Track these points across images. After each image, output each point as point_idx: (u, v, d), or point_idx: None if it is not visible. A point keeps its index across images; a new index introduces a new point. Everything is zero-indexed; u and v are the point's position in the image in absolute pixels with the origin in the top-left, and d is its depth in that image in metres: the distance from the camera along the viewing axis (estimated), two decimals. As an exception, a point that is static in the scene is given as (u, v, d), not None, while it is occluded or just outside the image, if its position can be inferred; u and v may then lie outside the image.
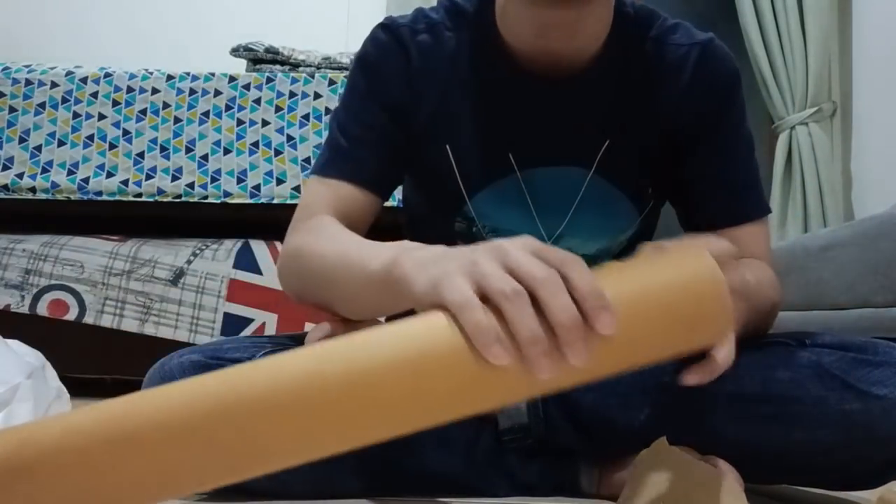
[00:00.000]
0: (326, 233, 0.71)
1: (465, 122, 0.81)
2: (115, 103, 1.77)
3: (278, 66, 1.92)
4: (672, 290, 0.47)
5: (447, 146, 0.81)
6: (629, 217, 0.83)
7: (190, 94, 1.77)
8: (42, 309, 1.62)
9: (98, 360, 1.65)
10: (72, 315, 1.62)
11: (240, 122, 1.75)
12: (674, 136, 0.80)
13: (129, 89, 1.77)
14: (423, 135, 0.81)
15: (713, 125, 0.80)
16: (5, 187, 1.73)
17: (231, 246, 1.68)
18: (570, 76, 0.78)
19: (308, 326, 1.52)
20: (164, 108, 1.76)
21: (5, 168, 1.74)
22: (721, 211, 0.80)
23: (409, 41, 0.81)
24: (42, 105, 1.76)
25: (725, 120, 0.81)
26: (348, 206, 0.78)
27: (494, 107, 0.80)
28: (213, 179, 1.73)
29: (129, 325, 1.62)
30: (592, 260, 0.83)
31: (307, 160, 1.71)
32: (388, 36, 0.82)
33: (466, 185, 0.81)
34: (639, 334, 0.46)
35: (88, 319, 1.62)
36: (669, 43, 0.81)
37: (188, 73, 1.78)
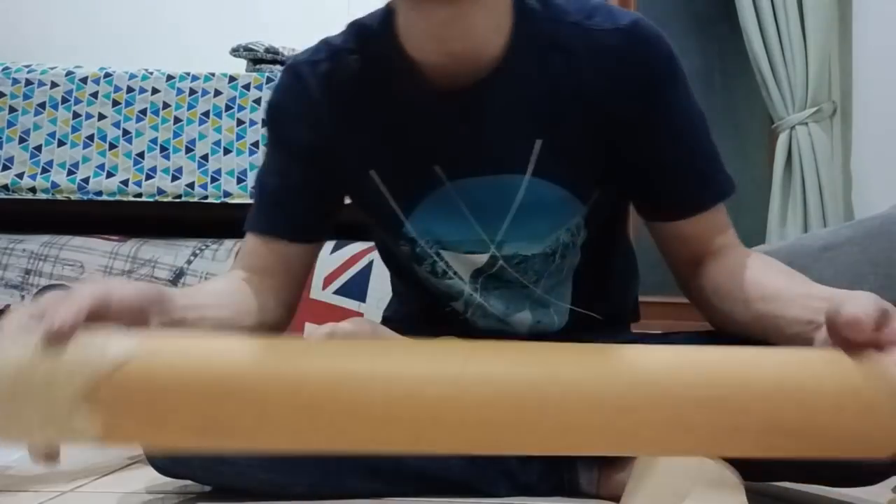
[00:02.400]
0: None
1: (384, 143, 0.78)
2: (115, 103, 1.77)
3: (278, 66, 1.92)
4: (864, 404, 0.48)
5: (371, 171, 0.79)
6: (573, 209, 0.80)
7: (190, 94, 1.77)
8: (42, 309, 1.62)
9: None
10: (72, 315, 1.62)
11: (240, 122, 1.75)
12: (609, 124, 0.75)
13: (129, 89, 1.77)
14: (348, 167, 0.80)
15: (657, 107, 0.75)
16: (5, 187, 1.73)
17: (231, 246, 1.68)
18: (481, 79, 0.74)
19: (308, 327, 1.52)
20: (164, 108, 1.76)
21: (5, 168, 1.74)
22: (684, 199, 0.77)
23: (310, 77, 0.79)
24: (42, 105, 1.76)
25: (665, 103, 0.75)
26: (267, 259, 0.81)
27: (409, 123, 0.77)
28: (213, 179, 1.73)
29: (129, 325, 1.62)
30: (545, 257, 0.81)
31: (307, 160, 1.71)
32: (290, 78, 0.81)
33: (400, 204, 0.80)
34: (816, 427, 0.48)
35: (88, 319, 1.62)
36: (591, 28, 0.74)
37: (188, 73, 1.78)
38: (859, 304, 0.51)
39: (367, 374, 0.48)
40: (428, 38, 0.72)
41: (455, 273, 0.83)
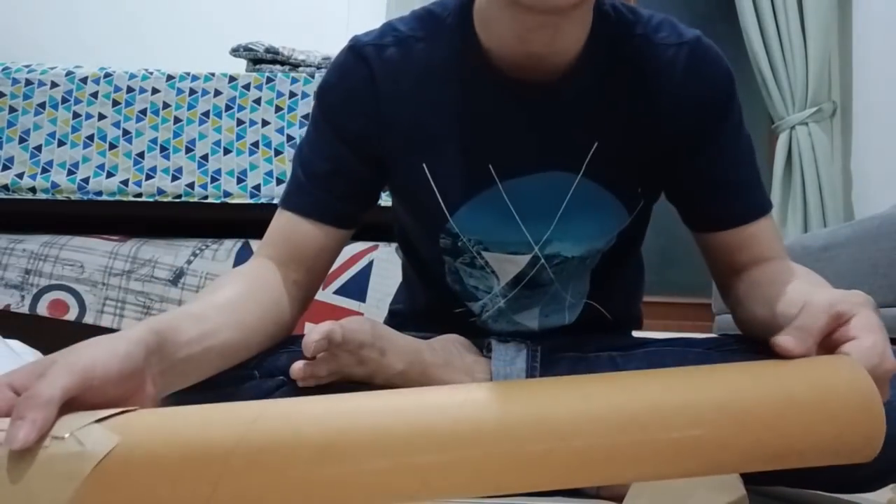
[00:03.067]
0: (214, 290, 0.71)
1: (442, 138, 0.77)
2: (115, 103, 1.77)
3: (278, 66, 1.92)
4: (828, 411, 0.49)
5: (424, 165, 0.78)
6: (619, 217, 0.81)
7: (190, 94, 1.77)
8: (42, 309, 1.62)
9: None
10: (72, 315, 1.62)
11: (240, 122, 1.75)
12: (668, 137, 0.78)
13: (129, 89, 1.77)
14: (399, 156, 0.79)
15: (712, 127, 0.78)
16: (5, 187, 1.73)
17: (231, 246, 1.68)
18: (554, 80, 0.75)
19: (308, 327, 1.52)
20: (164, 108, 1.76)
21: (5, 168, 1.74)
22: (730, 210, 0.80)
23: (376, 60, 0.77)
24: (42, 105, 1.76)
25: (725, 121, 0.79)
26: (301, 242, 0.78)
27: (474, 118, 0.77)
28: (213, 179, 1.73)
29: (129, 325, 1.62)
30: (581, 261, 0.83)
31: (307, 160, 1.71)
32: (353, 59, 0.78)
33: (446, 202, 0.79)
34: (785, 438, 0.49)
35: (88, 319, 1.62)
36: (657, 42, 0.77)
37: (188, 73, 1.78)
38: (808, 315, 0.55)
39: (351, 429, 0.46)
40: (513, 37, 0.72)
41: (492, 271, 0.83)
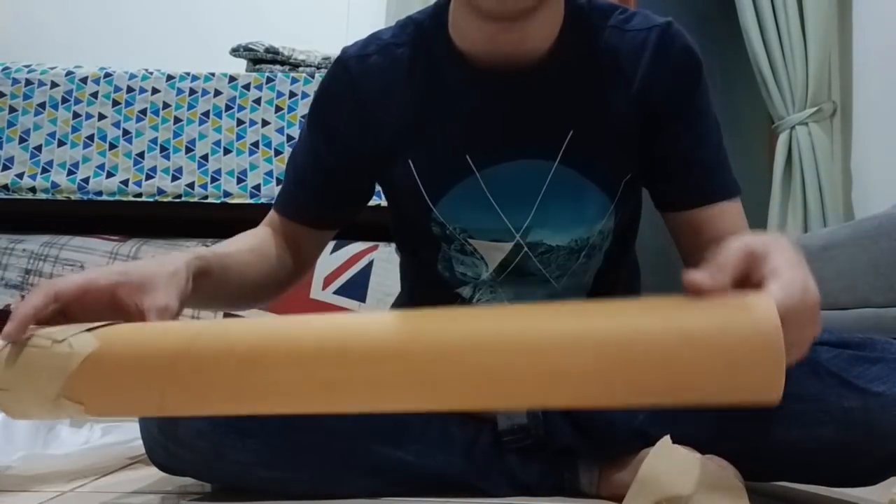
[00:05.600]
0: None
1: (424, 133, 0.81)
2: (115, 103, 1.77)
3: (278, 66, 1.92)
4: (723, 347, 0.48)
5: (409, 160, 0.82)
6: (600, 205, 0.83)
7: (190, 94, 1.77)
8: (42, 309, 1.62)
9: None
10: (72, 315, 1.62)
11: (240, 122, 1.76)
12: (640, 119, 0.80)
13: (129, 89, 1.77)
14: (385, 155, 0.83)
15: (679, 103, 0.80)
16: (5, 187, 1.73)
17: (231, 246, 1.68)
18: (526, 72, 0.79)
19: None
20: (164, 108, 1.76)
21: (5, 168, 1.74)
22: (695, 188, 0.81)
23: (357, 69, 0.83)
24: (42, 105, 1.76)
25: (691, 100, 0.81)
26: (293, 237, 0.87)
27: (452, 112, 0.81)
28: (213, 179, 1.73)
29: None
30: (569, 253, 0.84)
31: (307, 160, 1.71)
32: (339, 70, 0.85)
33: (430, 193, 0.82)
34: (678, 373, 0.49)
35: (88, 319, 1.62)
36: (628, 30, 0.81)
37: (188, 73, 1.78)
38: (723, 253, 0.54)
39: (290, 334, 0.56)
40: (483, 41, 0.77)
41: (481, 257, 0.85)
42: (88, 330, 0.58)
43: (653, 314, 0.51)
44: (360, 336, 0.54)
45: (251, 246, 0.82)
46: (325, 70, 1.89)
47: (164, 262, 0.66)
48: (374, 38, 0.85)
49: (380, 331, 0.55)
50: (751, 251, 0.54)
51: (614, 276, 0.90)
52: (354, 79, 0.83)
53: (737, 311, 0.49)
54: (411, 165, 0.82)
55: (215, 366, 0.55)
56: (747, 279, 0.53)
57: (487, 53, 0.78)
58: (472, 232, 0.83)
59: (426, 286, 0.93)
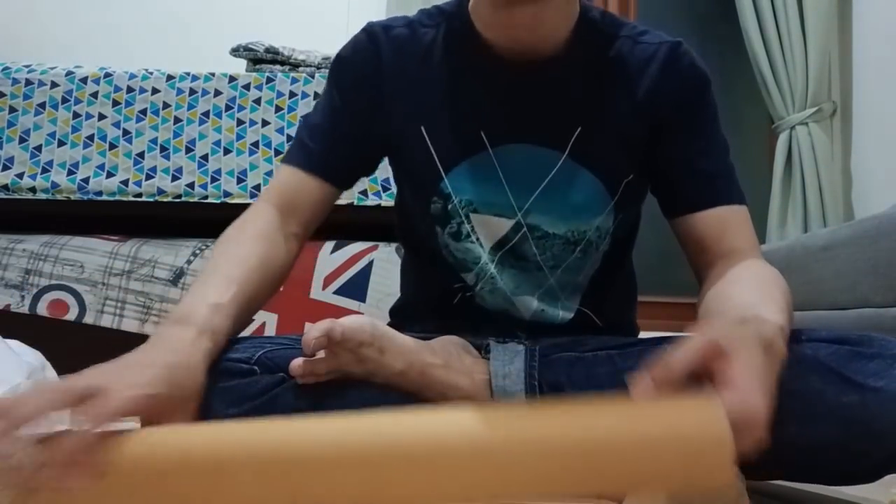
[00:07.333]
0: (226, 241, 0.82)
1: (440, 104, 0.86)
2: (115, 103, 1.77)
3: (278, 66, 1.92)
4: (674, 453, 0.50)
5: (422, 128, 0.86)
6: (600, 201, 0.86)
7: (190, 94, 1.77)
8: (42, 309, 1.62)
9: (98, 360, 1.64)
10: (72, 315, 1.62)
11: (240, 122, 1.75)
12: (645, 127, 0.85)
13: (129, 89, 1.77)
14: (399, 122, 0.88)
15: (684, 115, 0.85)
16: (5, 187, 1.73)
17: (231, 246, 1.68)
18: (541, 64, 0.84)
19: (307, 327, 1.52)
20: (164, 108, 1.76)
21: (5, 168, 1.74)
22: (700, 193, 0.84)
23: (383, 39, 0.88)
24: (42, 105, 1.76)
25: (697, 113, 0.86)
26: (295, 192, 0.87)
27: (468, 89, 0.86)
28: (213, 179, 1.73)
29: (129, 325, 1.62)
30: (565, 244, 0.86)
31: (307, 160, 1.71)
32: (364, 37, 0.90)
33: (442, 161, 0.86)
34: (627, 475, 0.51)
35: (88, 319, 1.62)
36: (639, 42, 0.87)
37: (188, 73, 1.78)
38: (683, 349, 0.54)
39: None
40: (499, 25, 0.82)
41: (477, 238, 0.87)
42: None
43: (601, 418, 0.53)
44: (321, 442, 0.52)
45: (259, 259, 0.79)
46: (326, 70, 1.90)
47: (177, 380, 0.61)
48: (401, 17, 0.91)
49: (340, 433, 0.53)
50: (714, 347, 0.54)
51: (609, 284, 0.92)
52: (377, 45, 0.88)
53: (690, 422, 0.51)
54: (424, 134, 0.86)
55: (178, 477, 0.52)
56: (706, 371, 0.54)
57: (505, 39, 0.83)
58: (477, 205, 0.86)
59: (427, 286, 0.94)
